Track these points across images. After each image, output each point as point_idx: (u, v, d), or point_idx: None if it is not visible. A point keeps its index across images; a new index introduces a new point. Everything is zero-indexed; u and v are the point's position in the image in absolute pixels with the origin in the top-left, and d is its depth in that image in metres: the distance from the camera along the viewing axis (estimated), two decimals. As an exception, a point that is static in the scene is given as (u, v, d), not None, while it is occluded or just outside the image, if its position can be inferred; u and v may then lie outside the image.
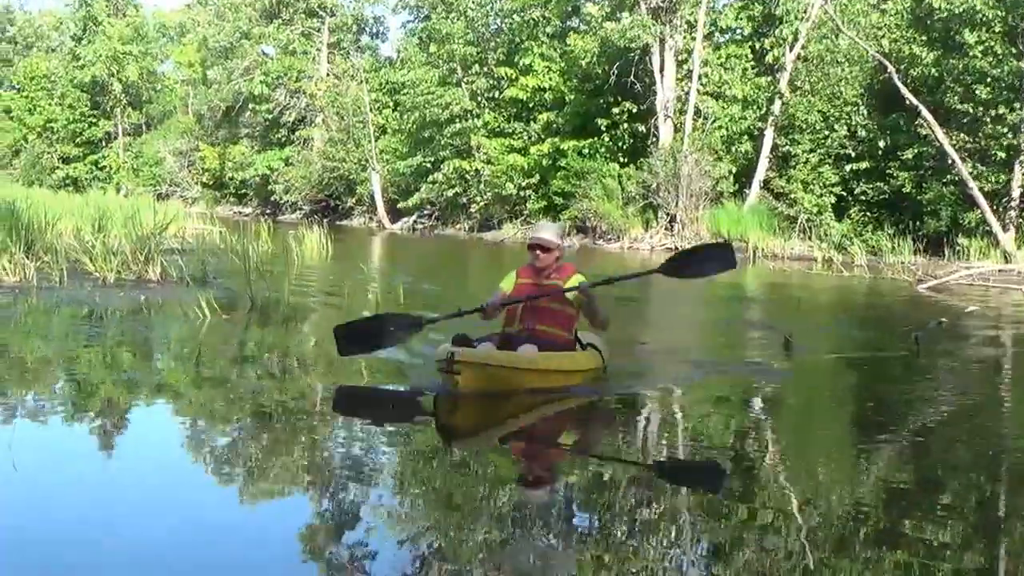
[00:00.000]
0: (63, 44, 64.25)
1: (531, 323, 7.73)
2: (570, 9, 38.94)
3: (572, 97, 36.58)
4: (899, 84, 26.43)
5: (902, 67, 27.72)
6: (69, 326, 10.98)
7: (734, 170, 32.70)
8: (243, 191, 53.89)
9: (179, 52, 63.29)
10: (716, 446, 6.78)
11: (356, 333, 7.89)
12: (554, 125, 37.08)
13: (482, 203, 39.42)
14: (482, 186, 38.90)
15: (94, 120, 61.11)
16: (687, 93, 33.42)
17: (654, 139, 33.88)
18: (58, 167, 59.50)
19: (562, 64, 36.90)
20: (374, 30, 55.73)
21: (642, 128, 34.40)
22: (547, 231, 8.15)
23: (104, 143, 61.37)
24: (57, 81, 61.23)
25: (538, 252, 7.89)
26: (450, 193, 40.41)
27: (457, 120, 39.40)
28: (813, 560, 4.42)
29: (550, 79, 36.98)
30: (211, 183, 55.97)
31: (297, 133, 50.59)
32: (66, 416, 6.90)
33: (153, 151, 58.31)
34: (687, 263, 8.64)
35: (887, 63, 26.96)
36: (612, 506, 5.25)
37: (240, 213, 49.61)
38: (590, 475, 6.02)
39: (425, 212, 42.94)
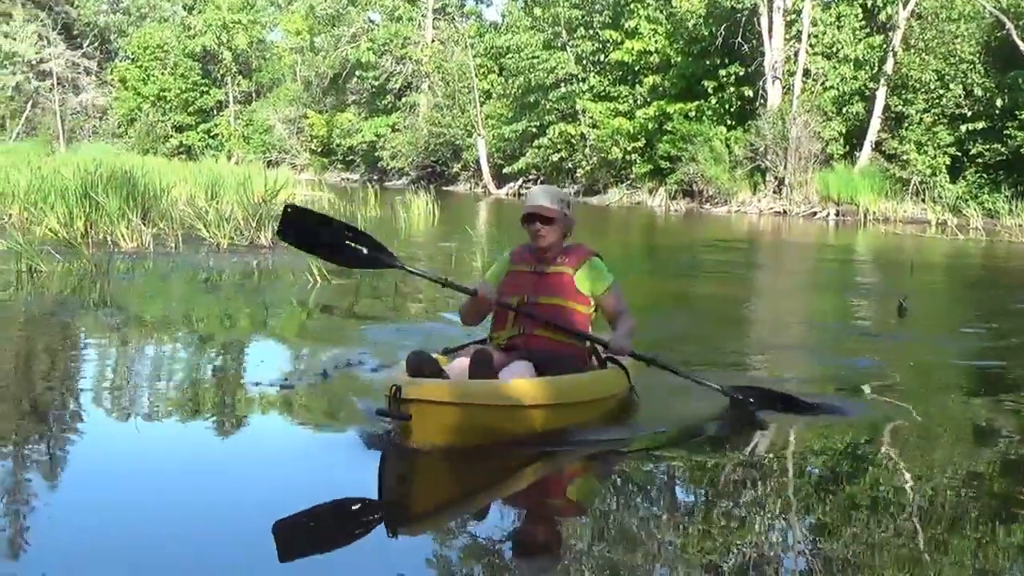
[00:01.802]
0: (175, 14, 65.45)
1: (527, 327, 5.69)
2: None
3: (678, 60, 36.12)
4: (1017, 40, 25.76)
5: (1021, 23, 26.94)
6: (185, 290, 11.25)
7: (844, 131, 32.06)
8: (350, 158, 54.48)
9: (287, 20, 63.96)
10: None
11: (306, 226, 6.23)
12: (660, 88, 36.65)
13: (587, 167, 39.37)
14: (587, 150, 38.86)
15: (205, 89, 62.28)
16: (796, 54, 32.76)
17: (762, 101, 33.38)
18: (171, 135, 60.77)
19: (668, 26, 36.46)
20: (479, -6, 55.73)
21: (749, 91, 33.84)
22: (546, 196, 5.94)
23: (215, 111, 62.54)
24: (169, 51, 62.35)
25: (537, 226, 5.72)
26: (555, 158, 40.44)
27: (562, 84, 39.43)
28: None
29: (656, 42, 36.58)
30: (319, 150, 56.67)
31: (403, 99, 50.93)
32: (184, 380, 6.92)
33: (263, 119, 59.16)
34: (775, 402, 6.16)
35: (1005, 18, 26.28)
36: None
37: (348, 179, 50.17)
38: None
39: (530, 177, 42.97)
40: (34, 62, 63.46)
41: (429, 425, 4.82)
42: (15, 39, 62.28)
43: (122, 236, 14.55)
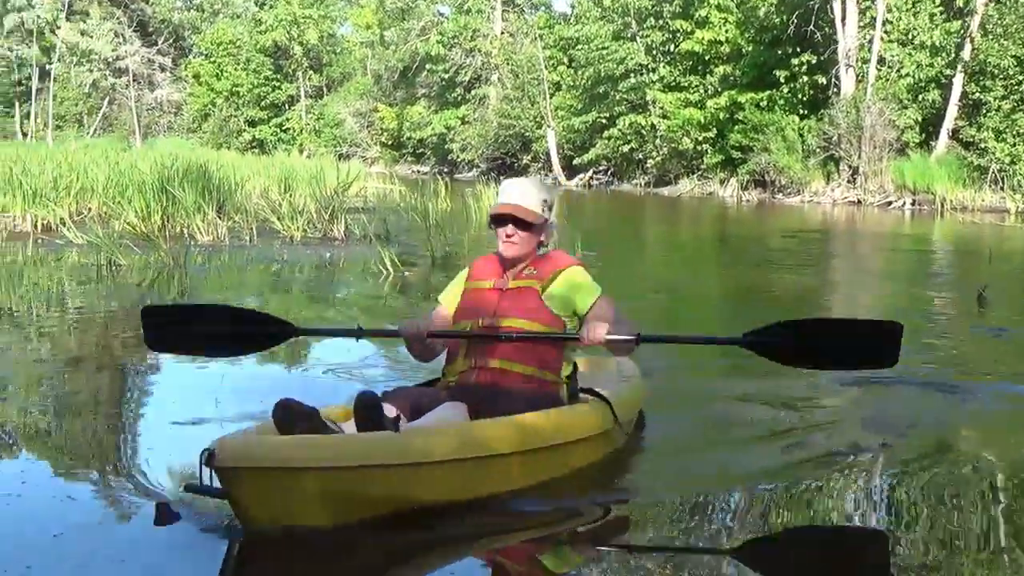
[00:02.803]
0: (246, 10, 66.14)
1: (480, 359, 4.37)
2: (748, -43, 38.22)
3: (749, 49, 35.87)
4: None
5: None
6: (260, 282, 11.44)
7: (920, 119, 31.53)
8: (421, 150, 54.77)
9: (357, 14, 64.44)
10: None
11: (175, 323, 4.92)
12: (731, 78, 36.46)
13: (658, 158, 39.21)
14: (658, 141, 38.68)
15: (277, 84, 62.88)
16: (870, 41, 32.27)
17: (835, 89, 32.92)
18: (244, 130, 61.46)
19: (739, 15, 36.19)
20: (548, -15, 55.67)
21: (822, 79, 33.41)
22: (525, 192, 4.51)
23: (287, 106, 63.11)
24: (242, 47, 63.10)
25: (510, 230, 4.43)
26: (625, 148, 40.30)
27: (632, 75, 39.19)
28: None
29: (726, 31, 36.36)
30: (390, 143, 57.05)
31: (473, 92, 51.02)
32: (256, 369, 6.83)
33: (333, 113, 59.71)
34: (809, 346, 4.53)
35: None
36: None
37: (418, 172, 50.48)
38: None
39: (600, 168, 42.91)
40: (110, 59, 64.58)
41: (267, 502, 3.39)
42: (92, 37, 63.39)
43: (198, 229, 14.80)
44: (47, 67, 64.02)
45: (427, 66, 52.58)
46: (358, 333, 4.77)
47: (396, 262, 11.58)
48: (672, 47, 38.69)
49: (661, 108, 38.28)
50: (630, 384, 5.14)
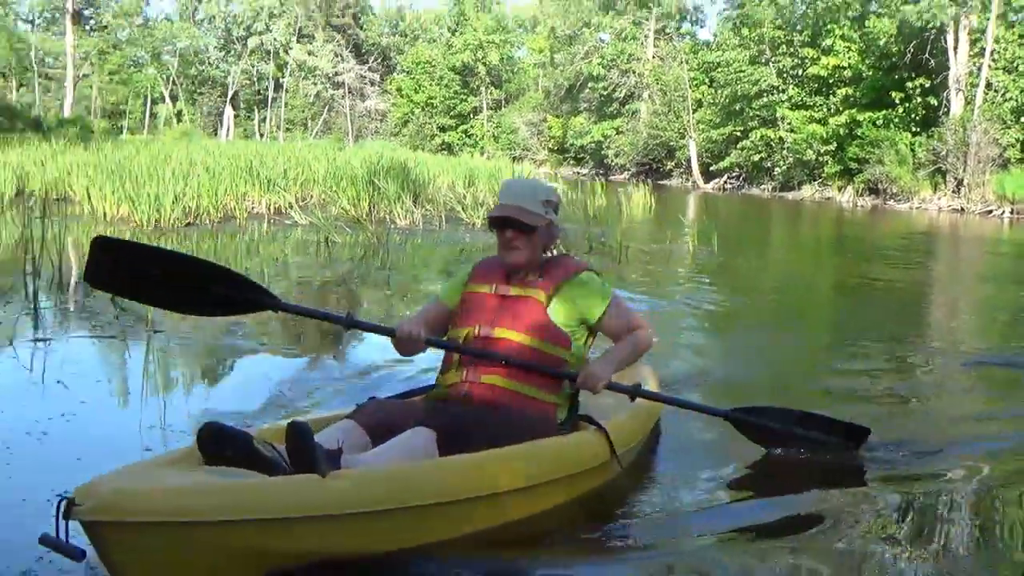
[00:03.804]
0: (441, 35, 66.90)
1: (472, 373, 3.39)
2: (870, -7, 36.99)
3: (869, 73, 34.91)
4: None
5: None
6: (447, 260, 11.50)
7: (1021, 138, 30.17)
8: (581, 155, 54.66)
9: (532, 40, 64.57)
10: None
11: (130, 263, 3.57)
12: (851, 98, 35.49)
13: (784, 167, 38.44)
14: (784, 152, 37.95)
15: (464, 97, 63.50)
16: (979, 68, 31.01)
17: (945, 110, 31.90)
18: (436, 135, 62.26)
19: (861, 44, 35.19)
20: (693, 18, 54.95)
21: (934, 101, 32.39)
22: (524, 195, 3.52)
23: (472, 115, 63.67)
24: (436, 66, 63.89)
25: (509, 235, 3.47)
26: (756, 158, 39.73)
27: (764, 95, 38.60)
28: None
29: (849, 58, 35.41)
30: (555, 148, 57.11)
31: (626, 106, 50.69)
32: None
33: (510, 122, 60.08)
34: (785, 433, 3.98)
35: None
36: None
37: (578, 173, 50.39)
38: None
39: (733, 174, 42.30)
40: (331, 75, 66.17)
41: (149, 563, 2.40)
42: (317, 56, 65.14)
43: (397, 215, 15.17)
44: (280, 80, 66.09)
45: (589, 84, 52.43)
46: (347, 322, 3.52)
47: (560, 246, 11.66)
48: (800, 71, 37.87)
49: (789, 124, 37.53)
50: (639, 405, 3.88)
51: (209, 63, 66.16)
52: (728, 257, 12.77)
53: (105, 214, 13.13)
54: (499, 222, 3.48)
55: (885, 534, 3.35)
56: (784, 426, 4.00)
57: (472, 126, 62.91)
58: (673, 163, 47.64)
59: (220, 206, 13.96)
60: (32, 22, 68.07)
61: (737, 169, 41.89)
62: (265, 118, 67.21)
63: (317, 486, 2.64)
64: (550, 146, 57.25)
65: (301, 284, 9.13)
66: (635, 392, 3.68)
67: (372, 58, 69.95)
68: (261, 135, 63.25)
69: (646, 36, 51.75)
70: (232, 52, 65.51)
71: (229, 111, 65.42)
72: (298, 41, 65.69)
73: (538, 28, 62.93)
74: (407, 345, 3.48)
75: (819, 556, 3.11)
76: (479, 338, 3.42)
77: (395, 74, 68.54)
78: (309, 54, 65.21)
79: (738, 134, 40.67)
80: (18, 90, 59.31)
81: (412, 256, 11.67)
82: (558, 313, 3.45)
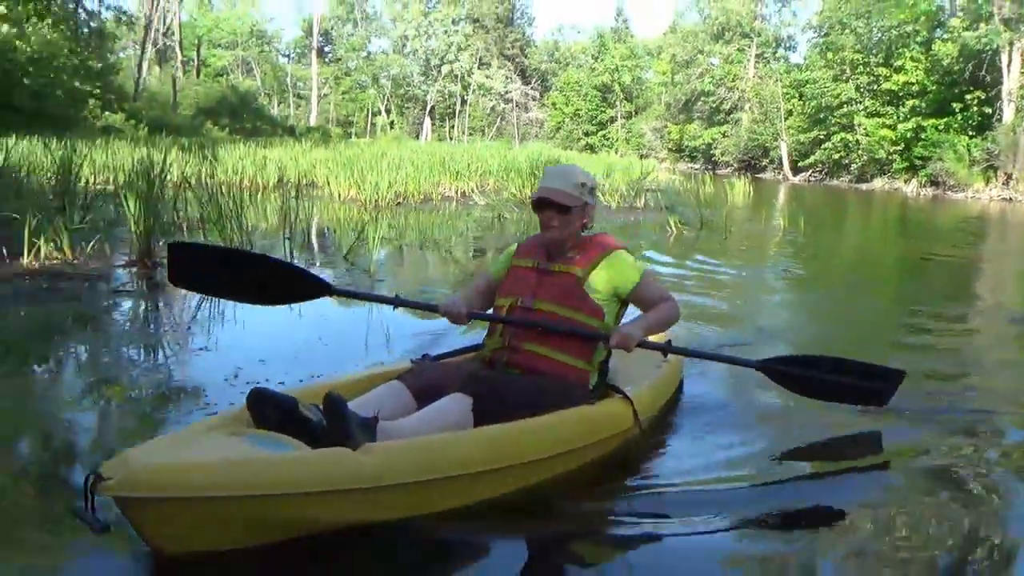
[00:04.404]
0: (586, 62, 66.33)
1: (515, 340, 2.97)
2: (936, 22, 34.65)
3: (933, 88, 32.80)
4: None
5: None
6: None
7: (1064, 140, 28.00)
8: (694, 154, 53.36)
9: (657, 64, 63.19)
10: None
11: (205, 264, 3.17)
12: (918, 108, 33.44)
13: (859, 163, 36.67)
14: (860, 151, 36.18)
15: (603, 109, 62.84)
16: (1028, 82, 28.92)
17: (998, 118, 29.78)
18: (581, 138, 61.87)
19: (927, 64, 33.09)
20: (787, 45, 52.62)
21: (988, 110, 30.29)
22: (561, 178, 3.06)
23: (609, 123, 62.93)
24: (582, 85, 63.47)
25: (549, 215, 3.02)
26: (836, 156, 38.00)
27: (844, 106, 36.79)
28: None
29: (916, 75, 33.35)
30: (673, 148, 55.93)
31: (731, 116, 49.27)
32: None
33: (638, 128, 59.22)
34: (816, 379, 3.27)
35: None
36: None
37: (692, 168, 49.31)
38: None
39: (817, 169, 40.66)
40: (502, 93, 66.68)
41: (180, 533, 2.01)
42: (492, 79, 65.75)
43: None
44: (465, 97, 66.83)
45: (701, 98, 51.16)
46: (395, 301, 3.11)
47: (679, 224, 11.70)
48: (875, 86, 35.87)
49: (864, 129, 35.74)
50: (663, 372, 3.45)
51: (413, 85, 67.56)
52: (811, 235, 12.54)
53: (339, 195, 13.56)
54: (539, 203, 3.03)
55: (919, 505, 2.73)
56: (816, 372, 3.22)
57: (609, 131, 62.25)
58: (767, 160, 46.05)
59: (421, 190, 14.16)
60: (288, 56, 71.33)
61: (820, 165, 40.22)
62: (454, 126, 68.00)
63: (347, 460, 2.19)
64: (669, 147, 56.15)
65: (478, 250, 8.97)
66: (667, 348, 3.09)
67: (534, 80, 70.01)
68: (450, 139, 64.38)
69: (748, 60, 50.07)
70: (430, 76, 66.67)
71: (427, 121, 66.77)
72: (479, 67, 66.26)
73: (662, 55, 61.49)
74: (455, 320, 3.02)
75: (841, 527, 2.55)
76: (521, 308, 2.98)
77: (551, 91, 68.34)
78: (486, 77, 65.84)
79: (821, 137, 38.97)
80: (278, 106, 62.19)
81: None
82: (593, 287, 2.97)
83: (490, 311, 3.14)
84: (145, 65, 37.59)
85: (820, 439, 3.37)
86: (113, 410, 3.37)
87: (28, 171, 8.36)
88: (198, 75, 51.87)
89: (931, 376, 4.25)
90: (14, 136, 13.34)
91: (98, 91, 25.61)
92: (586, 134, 62.62)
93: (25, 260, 6.07)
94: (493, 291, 3.19)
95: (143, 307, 5.53)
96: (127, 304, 5.58)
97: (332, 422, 2.33)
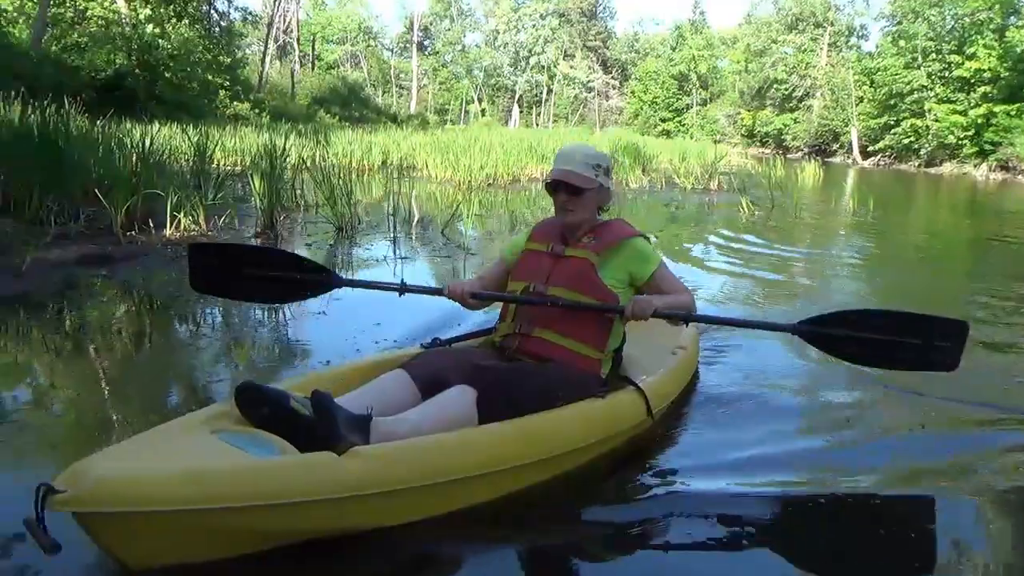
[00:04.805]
0: (664, 52, 64.83)
1: (526, 325, 2.60)
2: (1012, 9, 32.37)
3: (1005, 75, 30.76)
4: None
5: None
6: (662, 215, 11.04)
7: None
8: (765, 139, 51.69)
9: (732, 53, 61.22)
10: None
11: (221, 265, 2.73)
12: (989, 95, 31.47)
13: (929, 148, 34.79)
14: (930, 137, 34.31)
15: (680, 96, 61.40)
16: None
17: (1071, 103, 27.75)
18: (658, 124, 60.59)
19: (1000, 51, 31.03)
20: (860, 34, 50.07)
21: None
22: (576, 159, 2.65)
23: (685, 110, 61.50)
24: (660, 74, 62.08)
25: (564, 197, 2.66)
26: (906, 141, 36.11)
27: (915, 92, 34.90)
28: None
29: (989, 62, 31.31)
30: (746, 134, 54.30)
31: (802, 103, 47.44)
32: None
33: (713, 115, 57.66)
34: (865, 340, 2.50)
35: None
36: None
37: (763, 153, 47.72)
38: None
39: (886, 154, 38.79)
40: (585, 82, 65.91)
41: (145, 547, 1.71)
42: (576, 69, 65.03)
43: (631, 180, 15.19)
44: (550, 87, 66.34)
45: (774, 86, 49.41)
46: (401, 288, 2.68)
47: (750, 205, 11.43)
48: (947, 73, 33.89)
49: (934, 115, 33.85)
50: (677, 361, 3.03)
51: (503, 75, 67.45)
52: (880, 215, 12.03)
53: (436, 176, 13.70)
54: (552, 185, 2.67)
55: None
56: (861, 331, 2.49)
57: (685, 118, 60.78)
58: (837, 145, 44.24)
59: (510, 172, 14.15)
60: (391, 50, 72.06)
61: (889, 150, 38.33)
62: (540, 113, 67.55)
63: (330, 467, 1.84)
64: (742, 132, 54.49)
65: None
66: (687, 317, 2.56)
67: (615, 70, 68.92)
68: (536, 125, 64.12)
69: (821, 48, 47.96)
70: (519, 68, 66.41)
71: (516, 109, 66.60)
72: (564, 59, 65.55)
73: (737, 45, 59.53)
74: (457, 300, 2.66)
75: (875, 536, 2.13)
76: (534, 293, 2.62)
77: (630, 80, 67.12)
78: (571, 68, 65.13)
79: (891, 123, 37.11)
80: (382, 95, 63.01)
81: (640, 209, 11.57)
82: (608, 274, 2.61)
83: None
84: (268, 59, 38.68)
85: (853, 433, 2.83)
86: (239, 361, 3.56)
87: (170, 154, 8.75)
88: (313, 68, 53.05)
89: (999, 352, 3.91)
90: (157, 123, 13.98)
91: (227, 83, 26.53)
92: (663, 120, 61.29)
93: (168, 231, 6.44)
94: (506, 276, 2.82)
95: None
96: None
97: (318, 421, 2.00)
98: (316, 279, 2.71)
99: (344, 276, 2.76)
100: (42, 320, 4.12)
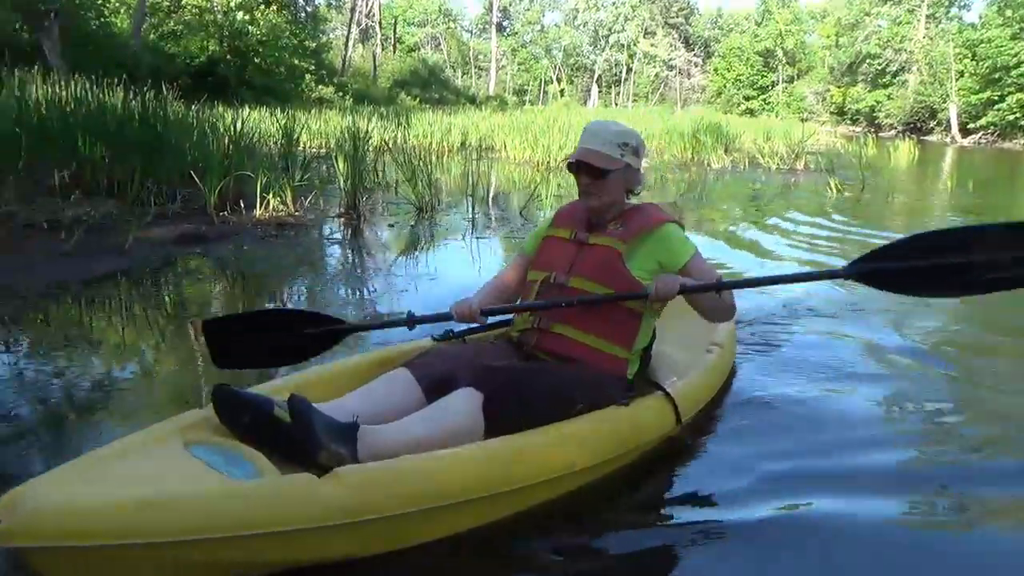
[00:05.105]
0: (749, 28, 62.82)
1: (545, 320, 2.30)
2: None
3: None
4: None
5: None
6: (746, 194, 10.83)
7: None
8: (856, 117, 49.65)
9: (821, 27, 58.70)
10: None
11: (237, 338, 2.30)
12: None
13: (1036, 125, 32.72)
14: (1037, 112, 32.22)
15: (765, 73, 59.44)
16: None
17: None
18: (741, 103, 58.95)
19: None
20: (960, 4, 47.22)
21: None
22: (599, 137, 2.32)
23: (770, 87, 59.57)
24: (744, 50, 60.25)
25: (585, 180, 2.32)
26: (1011, 118, 34.01)
27: (1022, 65, 32.73)
28: None
29: (1109, 31, 29.10)
30: (836, 112, 52.16)
31: (897, 78, 45.22)
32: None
33: (800, 92, 55.63)
34: (927, 266, 1.97)
35: None
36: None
37: (853, 131, 45.78)
38: None
39: (988, 131, 36.60)
40: (666, 60, 64.64)
41: None
42: (656, 47, 63.81)
43: (713, 160, 14.92)
44: (630, 66, 65.35)
45: (866, 61, 47.23)
46: (410, 322, 2.36)
47: (838, 186, 11.03)
48: (1059, 44, 31.67)
49: (1044, 89, 31.72)
50: (712, 360, 2.70)
51: (582, 55, 66.80)
52: (982, 196, 11.38)
53: (515, 157, 13.82)
54: (573, 166, 2.35)
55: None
56: (933, 257, 2.00)
57: (770, 95, 58.82)
58: (934, 122, 42.00)
59: None
60: (471, 31, 72.41)
61: (992, 127, 36.17)
62: (619, 92, 66.66)
63: (306, 492, 1.61)
64: (831, 110, 52.38)
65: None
66: (717, 285, 2.18)
67: (697, 47, 67.29)
68: (616, 104, 63.32)
69: (918, 20, 45.48)
70: (598, 46, 65.67)
71: (595, 88, 65.91)
72: (644, 37, 64.39)
73: (826, 18, 57.12)
74: (465, 320, 2.34)
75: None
76: (555, 285, 2.34)
77: (713, 58, 65.39)
78: (651, 46, 63.97)
79: (995, 98, 34.99)
80: (461, 77, 63.40)
81: (721, 190, 11.27)
82: (636, 263, 2.31)
83: (517, 298, 2.50)
84: (351, 43, 39.43)
85: (920, 452, 2.38)
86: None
87: (259, 137, 9.08)
88: (394, 51, 53.80)
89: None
90: (247, 108, 14.49)
91: (312, 67, 27.24)
92: (746, 99, 59.53)
93: (257, 211, 6.72)
94: (514, 281, 2.53)
95: (350, 250, 5.94)
96: (336, 248, 6.05)
97: (297, 433, 1.79)
98: (334, 330, 2.35)
99: (353, 321, 2.54)
100: (144, 295, 4.36)
